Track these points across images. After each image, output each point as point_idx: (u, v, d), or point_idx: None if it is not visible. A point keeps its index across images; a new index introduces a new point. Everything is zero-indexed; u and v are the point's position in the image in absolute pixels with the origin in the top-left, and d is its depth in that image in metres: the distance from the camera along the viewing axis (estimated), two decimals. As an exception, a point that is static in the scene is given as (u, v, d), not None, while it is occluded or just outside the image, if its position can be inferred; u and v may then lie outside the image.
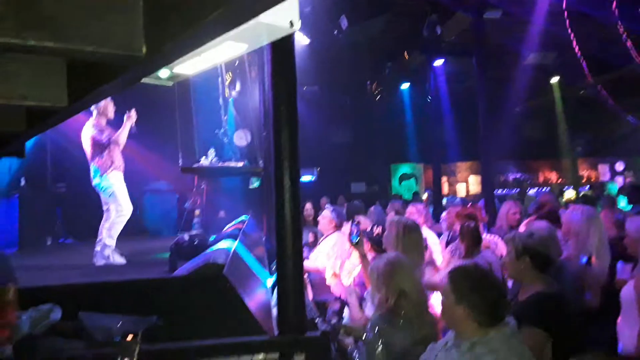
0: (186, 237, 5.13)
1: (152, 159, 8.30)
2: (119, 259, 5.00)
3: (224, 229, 6.54)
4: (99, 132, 5.05)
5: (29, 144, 2.87)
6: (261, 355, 2.48)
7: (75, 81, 1.18)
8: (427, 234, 4.80)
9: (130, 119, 5.20)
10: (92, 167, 5.12)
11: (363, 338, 2.71)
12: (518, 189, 15.24)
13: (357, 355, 2.69)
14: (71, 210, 6.48)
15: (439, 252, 4.77)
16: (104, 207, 5.17)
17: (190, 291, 2.90)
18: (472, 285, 2.01)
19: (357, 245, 3.83)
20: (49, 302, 2.87)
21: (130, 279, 3.47)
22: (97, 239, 5.05)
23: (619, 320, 3.16)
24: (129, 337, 1.69)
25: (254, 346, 2.45)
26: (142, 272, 4.47)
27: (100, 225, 5.09)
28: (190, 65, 2.35)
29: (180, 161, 6.41)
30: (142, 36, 0.94)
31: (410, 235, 3.60)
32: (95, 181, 5.12)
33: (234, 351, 2.43)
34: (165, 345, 2.60)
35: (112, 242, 5.02)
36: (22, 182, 7.15)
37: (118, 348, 1.62)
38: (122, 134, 5.15)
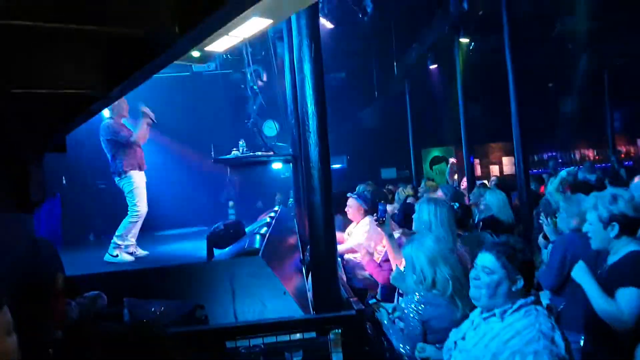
0: (222, 226, 5.23)
1: (184, 152, 8.46)
2: (127, 257, 4.92)
3: (258, 218, 6.64)
4: (117, 132, 5.00)
5: (68, 142, 2.98)
6: (298, 334, 2.53)
7: (113, 68, 1.23)
8: None
9: (146, 115, 5.09)
10: (113, 166, 5.05)
11: (396, 315, 2.72)
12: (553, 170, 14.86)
13: (391, 332, 2.70)
14: (112, 207, 6.66)
15: None
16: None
17: (229, 274, 2.98)
18: (520, 259, 2.05)
19: (382, 225, 3.84)
20: (95, 289, 2.99)
21: (171, 265, 3.58)
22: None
23: None
24: None
25: (292, 325, 2.51)
26: (180, 260, 4.58)
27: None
28: (220, 43, 2.45)
29: (212, 153, 6.52)
30: (175, 16, 0.98)
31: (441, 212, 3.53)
32: (117, 180, 5.06)
33: (272, 330, 2.48)
34: (205, 325, 2.69)
35: (122, 242, 4.94)
36: (64, 181, 7.40)
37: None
38: (141, 132, 5.07)
